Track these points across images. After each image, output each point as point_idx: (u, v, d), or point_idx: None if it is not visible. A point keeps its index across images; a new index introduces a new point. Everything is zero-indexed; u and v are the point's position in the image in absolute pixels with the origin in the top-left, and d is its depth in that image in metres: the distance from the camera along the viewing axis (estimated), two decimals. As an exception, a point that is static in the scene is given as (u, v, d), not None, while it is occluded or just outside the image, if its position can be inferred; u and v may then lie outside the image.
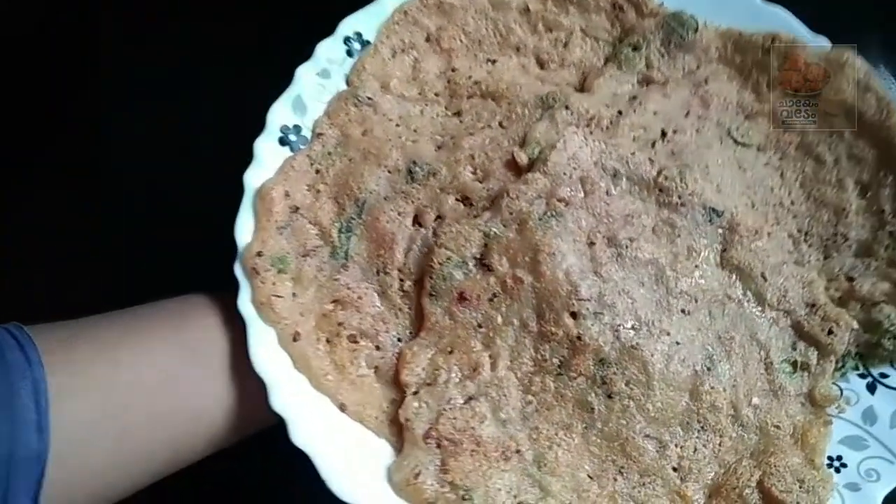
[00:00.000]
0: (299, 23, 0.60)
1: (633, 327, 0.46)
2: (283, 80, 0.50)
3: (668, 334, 0.46)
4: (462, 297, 0.46)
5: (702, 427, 0.45)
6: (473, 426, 0.44)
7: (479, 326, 0.46)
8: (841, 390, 0.47)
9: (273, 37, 0.67)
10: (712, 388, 0.45)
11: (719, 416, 0.45)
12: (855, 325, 0.47)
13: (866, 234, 0.49)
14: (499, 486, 0.43)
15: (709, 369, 0.46)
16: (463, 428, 0.44)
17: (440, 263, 0.46)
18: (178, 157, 0.62)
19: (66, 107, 0.66)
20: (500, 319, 0.46)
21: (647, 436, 0.45)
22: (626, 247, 0.47)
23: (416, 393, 0.45)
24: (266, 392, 0.42)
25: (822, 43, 0.52)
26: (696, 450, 0.45)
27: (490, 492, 0.43)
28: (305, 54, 0.51)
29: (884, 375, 0.47)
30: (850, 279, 0.49)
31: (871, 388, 0.47)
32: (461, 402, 0.44)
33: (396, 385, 0.45)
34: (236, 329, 0.43)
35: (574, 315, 0.45)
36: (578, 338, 0.45)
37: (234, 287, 0.44)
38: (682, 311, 0.47)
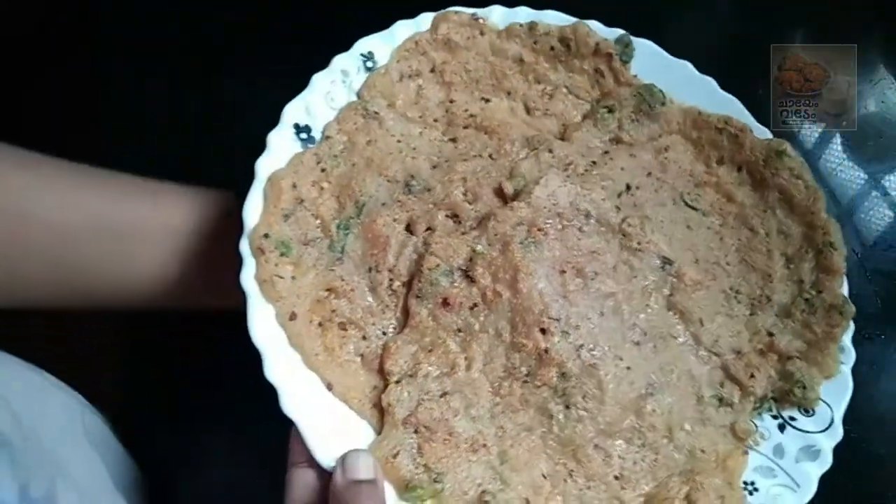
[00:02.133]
0: (290, 28, 0.67)
1: (591, 349, 0.53)
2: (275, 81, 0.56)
3: (622, 359, 0.54)
4: (446, 302, 0.52)
5: (642, 444, 0.53)
6: (448, 418, 0.50)
7: (459, 331, 0.52)
8: (757, 427, 0.56)
9: (271, 39, 0.72)
10: (653, 410, 0.53)
11: (657, 435, 0.53)
12: (772, 373, 0.56)
13: (787, 298, 0.60)
14: (466, 475, 0.49)
15: (651, 394, 0.54)
16: (439, 418, 0.49)
17: (430, 269, 0.53)
18: (179, 156, 0.65)
19: (65, 105, 0.68)
20: (477, 326, 0.52)
21: (596, 446, 0.52)
22: (591, 279, 0.55)
23: (398, 382, 0.50)
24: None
25: (766, 132, 0.63)
26: (635, 462, 0.52)
27: (458, 478, 0.48)
28: (302, 61, 0.57)
29: (792, 418, 0.56)
30: (771, 334, 0.58)
31: (782, 428, 0.56)
32: (438, 395, 0.50)
33: (380, 374, 0.51)
34: (199, 218, 0.53)
35: (543, 331, 0.52)
36: (546, 351, 0.52)
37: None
38: (634, 342, 0.55)
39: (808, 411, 0.56)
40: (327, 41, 0.61)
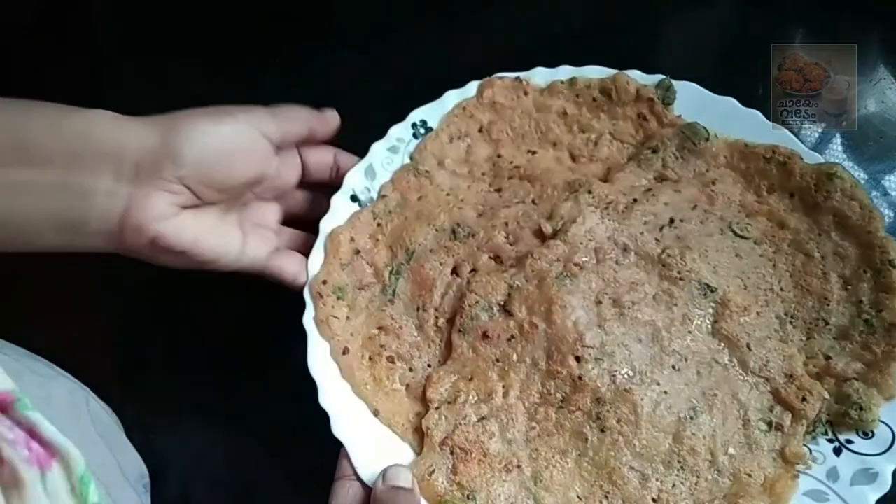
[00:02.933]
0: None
1: (627, 374, 0.57)
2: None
3: (658, 384, 0.57)
4: (485, 335, 0.58)
5: (681, 467, 0.55)
6: (483, 440, 0.55)
7: (497, 360, 0.58)
8: (810, 451, 0.56)
9: (272, 40, 0.76)
10: (693, 434, 0.55)
11: (697, 459, 0.55)
12: (826, 395, 0.56)
13: (845, 320, 0.60)
14: (499, 493, 0.54)
15: (691, 418, 0.56)
16: (474, 440, 0.55)
17: (470, 305, 0.59)
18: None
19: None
20: (514, 357, 0.57)
21: (632, 468, 0.55)
22: (629, 308, 0.59)
23: (438, 408, 0.56)
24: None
25: (817, 157, 0.64)
26: (674, 485, 0.54)
27: (491, 496, 0.53)
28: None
29: (849, 441, 0.56)
30: (828, 358, 0.59)
31: (837, 452, 0.55)
32: (475, 419, 0.56)
33: (422, 401, 0.57)
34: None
35: (578, 359, 0.57)
36: (580, 378, 0.56)
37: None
38: (673, 367, 0.58)
39: (866, 434, 0.56)
40: (329, 43, 0.69)
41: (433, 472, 0.53)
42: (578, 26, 0.68)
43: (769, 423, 0.57)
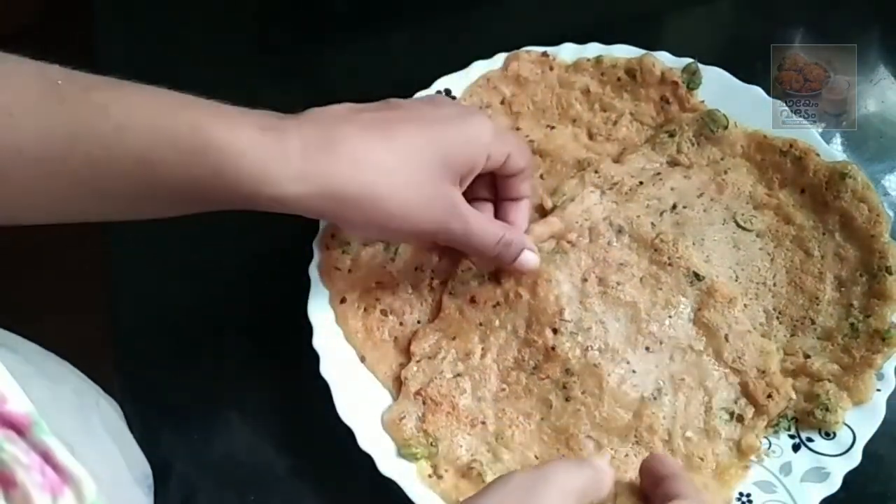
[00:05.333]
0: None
1: (599, 349, 0.61)
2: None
3: (628, 363, 0.61)
4: (473, 300, 0.64)
5: (636, 441, 0.59)
6: (454, 395, 0.61)
7: (480, 324, 0.63)
8: (770, 443, 0.59)
9: (270, 38, 0.79)
10: (653, 413, 0.59)
11: (654, 437, 0.59)
12: (793, 396, 0.59)
13: (832, 322, 0.61)
14: (461, 443, 0.60)
15: (655, 398, 0.60)
16: (445, 394, 0.61)
17: (463, 271, 0.64)
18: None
19: None
20: (497, 322, 0.63)
21: (590, 437, 0.59)
22: (613, 287, 0.63)
23: (418, 361, 0.62)
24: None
25: (836, 154, 0.65)
26: (627, 455, 0.59)
27: (453, 445, 0.59)
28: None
29: (810, 439, 0.58)
30: (807, 356, 0.61)
31: (796, 448, 0.58)
32: (450, 376, 0.62)
33: (406, 353, 0.64)
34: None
35: (555, 331, 0.61)
36: (553, 349, 0.61)
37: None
38: (647, 348, 0.61)
39: (828, 434, 0.58)
40: (330, 45, 0.73)
41: (404, 417, 0.60)
42: (580, 28, 0.70)
43: (731, 414, 0.60)
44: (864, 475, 0.55)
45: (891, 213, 0.60)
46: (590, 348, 0.61)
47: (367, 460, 0.58)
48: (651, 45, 0.70)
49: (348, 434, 0.58)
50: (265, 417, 0.65)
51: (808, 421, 0.59)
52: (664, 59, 0.71)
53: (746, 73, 0.67)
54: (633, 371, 0.61)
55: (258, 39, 0.79)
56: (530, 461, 0.59)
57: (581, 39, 0.72)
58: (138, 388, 0.61)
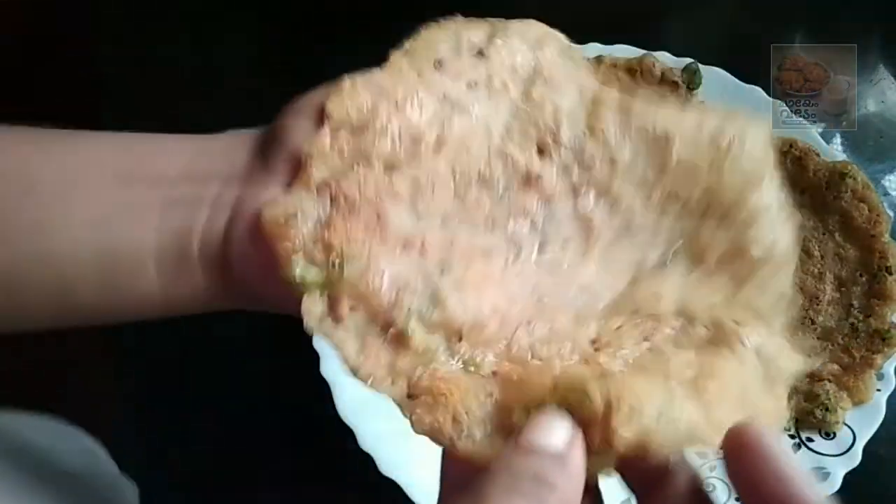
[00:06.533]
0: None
1: (594, 196, 0.37)
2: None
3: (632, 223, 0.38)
4: (439, 62, 0.36)
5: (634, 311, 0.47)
6: (384, 200, 0.34)
7: (445, 97, 0.35)
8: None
9: (271, 34, 0.78)
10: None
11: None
12: (793, 395, 0.59)
13: (832, 322, 0.62)
14: (383, 269, 0.33)
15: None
16: (371, 197, 0.34)
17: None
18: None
19: (65, 105, 0.62)
20: (469, 105, 0.35)
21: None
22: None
23: (336, 131, 0.36)
24: None
25: (836, 154, 0.65)
26: (619, 327, 0.42)
27: (370, 269, 0.33)
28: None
29: (810, 440, 0.58)
30: (807, 356, 0.61)
31: (796, 448, 0.59)
32: (382, 168, 0.35)
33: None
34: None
35: (542, 151, 0.37)
36: (539, 177, 0.36)
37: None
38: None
39: (828, 434, 0.58)
40: (328, 46, 0.72)
41: (296, 216, 0.33)
42: (579, 28, 0.71)
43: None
44: (864, 475, 0.55)
45: (891, 213, 0.60)
46: (583, 193, 0.36)
47: (368, 460, 0.57)
48: (651, 45, 0.70)
49: (348, 434, 0.58)
50: (265, 417, 0.65)
51: (808, 421, 0.59)
52: (664, 59, 0.71)
53: (746, 73, 0.67)
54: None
55: (258, 39, 0.79)
56: (484, 317, 0.34)
57: (581, 39, 0.73)
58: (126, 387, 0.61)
